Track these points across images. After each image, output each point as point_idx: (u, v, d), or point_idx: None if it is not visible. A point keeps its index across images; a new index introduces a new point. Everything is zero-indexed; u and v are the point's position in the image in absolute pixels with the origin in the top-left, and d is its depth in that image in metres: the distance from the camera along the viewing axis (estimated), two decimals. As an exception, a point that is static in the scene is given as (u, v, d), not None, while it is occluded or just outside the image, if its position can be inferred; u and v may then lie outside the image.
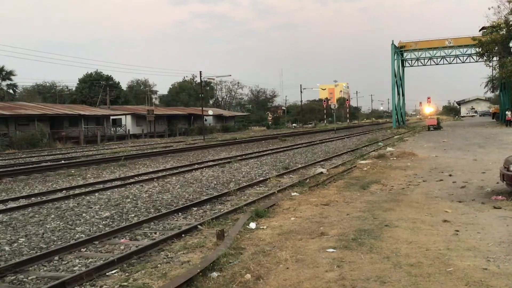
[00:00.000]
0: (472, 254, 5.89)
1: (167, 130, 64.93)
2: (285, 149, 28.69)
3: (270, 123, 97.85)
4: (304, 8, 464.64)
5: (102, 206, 11.25)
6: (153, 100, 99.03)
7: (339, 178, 13.79)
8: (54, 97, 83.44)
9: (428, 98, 69.62)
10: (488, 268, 5.34)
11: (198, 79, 61.39)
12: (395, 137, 36.98)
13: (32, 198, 12.83)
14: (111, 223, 9.52)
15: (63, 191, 13.92)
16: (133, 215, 10.20)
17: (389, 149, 22.70)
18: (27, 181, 17.02)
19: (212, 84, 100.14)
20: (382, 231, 7.16)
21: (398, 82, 64.54)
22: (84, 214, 10.38)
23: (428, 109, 66.01)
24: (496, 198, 9.47)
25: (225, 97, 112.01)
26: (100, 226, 9.28)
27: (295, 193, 11.30)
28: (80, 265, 6.74)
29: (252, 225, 8.09)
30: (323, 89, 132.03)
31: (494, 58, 51.61)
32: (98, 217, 10.03)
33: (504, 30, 45.37)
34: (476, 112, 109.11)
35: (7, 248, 7.81)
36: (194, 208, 10.57)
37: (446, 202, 9.46)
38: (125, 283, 5.73)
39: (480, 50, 49.15)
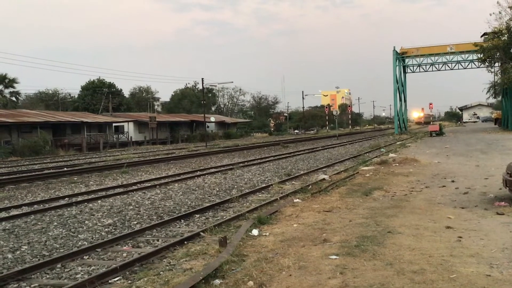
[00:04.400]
0: (476, 261, 5.87)
1: (169, 137, 65.00)
2: (288, 155, 28.69)
3: (272, 129, 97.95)
4: (305, 14, 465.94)
5: (105, 214, 11.26)
6: (155, 107, 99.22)
7: (341, 184, 13.77)
8: (57, 104, 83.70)
9: (430, 104, 69.97)
10: (491, 275, 5.32)
11: (200, 86, 61.49)
12: (397, 143, 36.93)
13: (35, 206, 12.85)
14: (113, 230, 9.52)
15: (66, 199, 13.94)
16: (135, 222, 10.20)
17: (391, 155, 22.66)
18: (29, 189, 17.04)
19: (214, 91, 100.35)
20: (385, 237, 7.14)
21: (400, 88, 64.56)
22: (86, 222, 10.39)
23: (416, 114, 66.05)
24: (499, 204, 9.44)
25: (227, 103, 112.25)
26: (103, 233, 9.28)
27: (297, 200, 11.28)
28: (82, 273, 6.73)
29: (255, 232, 8.08)
30: (325, 96, 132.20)
31: (496, 64, 51.64)
32: (101, 225, 10.04)
33: (506, 36, 45.39)
34: (478, 117, 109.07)
35: (9, 255, 7.82)
36: (196, 215, 10.57)
37: (449, 208, 9.43)
38: (128, 291, 5.73)
39: (481, 56, 49.16)
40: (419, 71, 68.22)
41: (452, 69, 66.10)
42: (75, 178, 19.89)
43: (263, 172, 19.54)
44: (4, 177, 20.69)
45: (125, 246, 8.15)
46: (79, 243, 8.55)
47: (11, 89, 69.29)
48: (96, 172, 22.54)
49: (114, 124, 59.51)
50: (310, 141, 51.22)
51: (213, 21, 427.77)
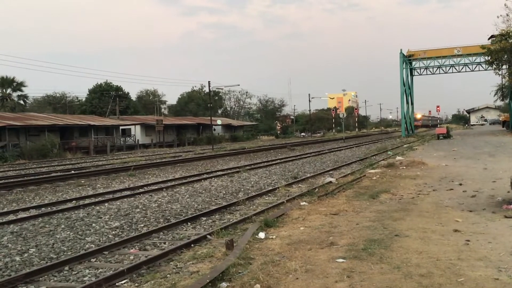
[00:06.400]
0: (483, 264, 5.83)
1: (176, 140, 65.16)
2: (294, 158, 28.67)
3: (278, 132, 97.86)
4: (312, 17, 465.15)
5: (112, 216, 11.30)
6: (162, 110, 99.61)
7: (348, 187, 13.74)
8: (64, 107, 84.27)
9: (437, 106, 69.61)
10: (499, 278, 5.28)
11: (206, 89, 61.55)
12: (404, 146, 36.79)
13: (43, 208, 12.92)
14: (120, 233, 9.55)
15: (73, 201, 14.00)
16: (142, 225, 10.23)
17: (398, 158, 22.58)
18: (37, 192, 17.13)
19: (220, 94, 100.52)
20: (392, 241, 7.12)
21: (407, 90, 64.37)
22: (94, 224, 10.43)
23: (419, 116, 66.10)
24: (507, 207, 9.38)
25: (234, 106, 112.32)
26: (110, 236, 9.31)
27: (304, 203, 11.27)
28: (90, 275, 6.76)
29: (261, 234, 8.08)
30: (332, 98, 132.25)
31: (504, 67, 51.34)
32: (108, 227, 10.08)
33: (513, 38, 45.13)
34: (486, 120, 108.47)
35: (17, 258, 7.86)
36: (203, 218, 10.58)
37: (456, 212, 9.38)
38: (135, 294, 5.74)
39: (489, 58, 48.93)
40: (426, 74, 68.04)
41: (459, 72, 65.78)
42: (83, 181, 19.97)
43: (269, 175, 19.54)
44: (12, 180, 20.84)
45: (132, 249, 8.18)
46: (87, 245, 8.58)
47: (19, 93, 69.87)
48: (103, 175, 22.62)
49: (121, 127, 59.70)
50: (316, 144, 51.16)
51: (220, 24, 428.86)
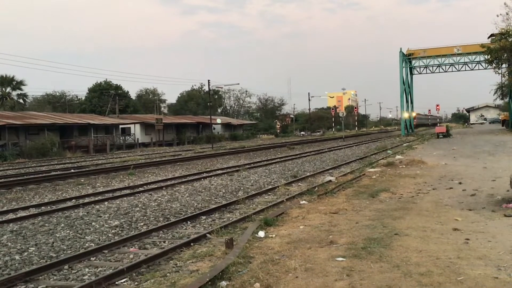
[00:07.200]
0: (483, 263, 5.84)
1: (176, 139, 65.11)
2: (294, 157, 28.66)
3: (278, 131, 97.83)
4: (312, 17, 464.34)
5: (112, 215, 11.29)
6: (162, 109, 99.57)
7: (348, 186, 13.74)
8: (64, 106, 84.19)
9: (437, 105, 69.71)
10: (499, 277, 5.29)
11: (206, 88, 61.58)
12: (404, 144, 36.77)
13: (42, 207, 12.92)
14: (120, 231, 9.55)
15: (73, 200, 14.00)
16: (142, 223, 10.23)
17: (398, 157, 22.58)
18: (37, 190, 17.13)
19: (220, 93, 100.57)
20: (392, 239, 7.12)
21: (407, 89, 64.42)
22: (93, 223, 10.43)
23: (406, 114, 66.41)
24: (506, 206, 9.38)
25: (233, 105, 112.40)
26: (110, 235, 9.31)
27: (303, 202, 11.27)
28: (89, 274, 6.76)
29: (261, 233, 8.07)
30: (331, 97, 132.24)
31: (503, 65, 51.35)
32: (108, 226, 10.07)
33: (513, 37, 45.13)
34: (485, 119, 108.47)
35: (17, 257, 7.86)
36: (203, 217, 10.58)
37: (456, 210, 9.38)
38: (135, 292, 5.74)
39: (489, 57, 48.94)
40: (426, 73, 68.08)
41: (459, 71, 65.88)
42: (82, 180, 19.97)
43: (269, 173, 19.53)
44: (11, 179, 20.83)
45: (131, 247, 8.18)
46: (86, 244, 8.59)
47: (19, 91, 69.88)
48: (102, 173, 22.62)
49: (120, 126, 59.69)
50: (316, 143, 51.15)
51: (220, 23, 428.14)
